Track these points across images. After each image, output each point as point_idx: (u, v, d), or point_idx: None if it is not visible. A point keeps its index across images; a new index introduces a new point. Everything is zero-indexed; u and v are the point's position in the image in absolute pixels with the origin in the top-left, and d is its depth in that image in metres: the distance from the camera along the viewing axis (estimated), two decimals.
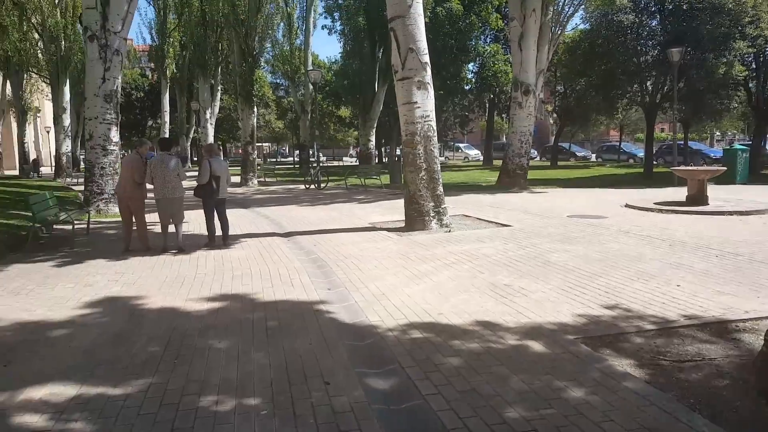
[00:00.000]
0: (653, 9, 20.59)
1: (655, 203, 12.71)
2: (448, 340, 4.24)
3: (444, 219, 10.16)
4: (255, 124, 23.52)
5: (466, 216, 11.67)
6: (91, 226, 11.14)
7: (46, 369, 3.87)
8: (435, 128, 10.10)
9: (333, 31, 32.30)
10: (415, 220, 10.00)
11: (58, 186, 23.06)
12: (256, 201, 16.90)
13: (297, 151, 43.49)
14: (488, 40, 34.41)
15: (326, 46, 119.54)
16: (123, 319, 5.00)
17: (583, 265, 6.64)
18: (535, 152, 45.62)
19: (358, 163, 31.77)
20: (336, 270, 6.88)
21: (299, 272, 6.80)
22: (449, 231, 9.67)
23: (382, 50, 27.31)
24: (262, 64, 27.58)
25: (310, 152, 33.39)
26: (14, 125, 31.15)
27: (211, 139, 28.17)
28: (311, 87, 28.08)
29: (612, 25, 20.61)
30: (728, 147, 21.87)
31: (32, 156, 32.78)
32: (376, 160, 31.78)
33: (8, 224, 10.31)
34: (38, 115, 42.43)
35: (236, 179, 25.10)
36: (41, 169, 34.13)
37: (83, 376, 3.73)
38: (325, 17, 33.42)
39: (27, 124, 31.87)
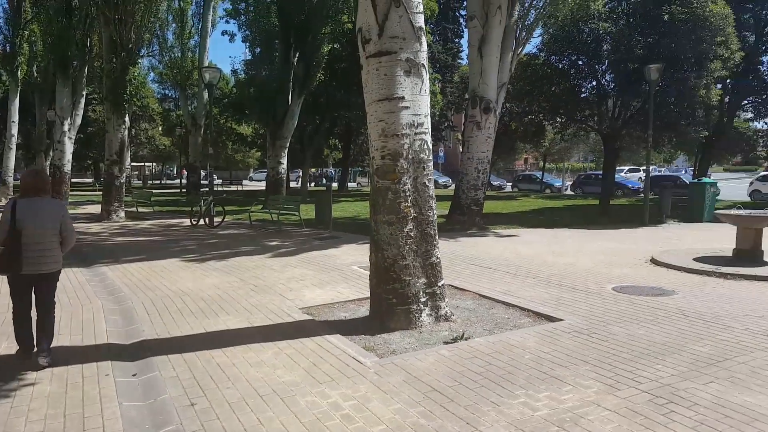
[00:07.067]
0: (630, 20, 17.36)
1: (694, 259, 9.26)
2: None
3: (442, 307, 5.61)
4: (126, 139, 17.60)
5: (458, 289, 7.17)
6: None
7: None
8: (431, 145, 5.58)
9: (241, 29, 26.82)
10: (392, 311, 5.36)
11: None
12: (111, 250, 11.12)
13: (185, 173, 36.79)
14: None
15: (227, 55, 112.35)
16: None
17: None
18: (449, 179, 43.47)
19: (264, 189, 26.11)
20: None
21: None
22: (461, 336, 5.08)
23: (297, 55, 22.40)
24: (140, 61, 21.46)
25: (202, 175, 27.56)
26: None
27: (68, 158, 21.38)
28: (205, 96, 22.59)
29: (582, 35, 17.28)
30: (695, 180, 19.16)
31: None
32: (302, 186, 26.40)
33: None
34: None
35: (96, 209, 19.00)
36: None
37: None
38: (227, 21, 27.96)
39: None
